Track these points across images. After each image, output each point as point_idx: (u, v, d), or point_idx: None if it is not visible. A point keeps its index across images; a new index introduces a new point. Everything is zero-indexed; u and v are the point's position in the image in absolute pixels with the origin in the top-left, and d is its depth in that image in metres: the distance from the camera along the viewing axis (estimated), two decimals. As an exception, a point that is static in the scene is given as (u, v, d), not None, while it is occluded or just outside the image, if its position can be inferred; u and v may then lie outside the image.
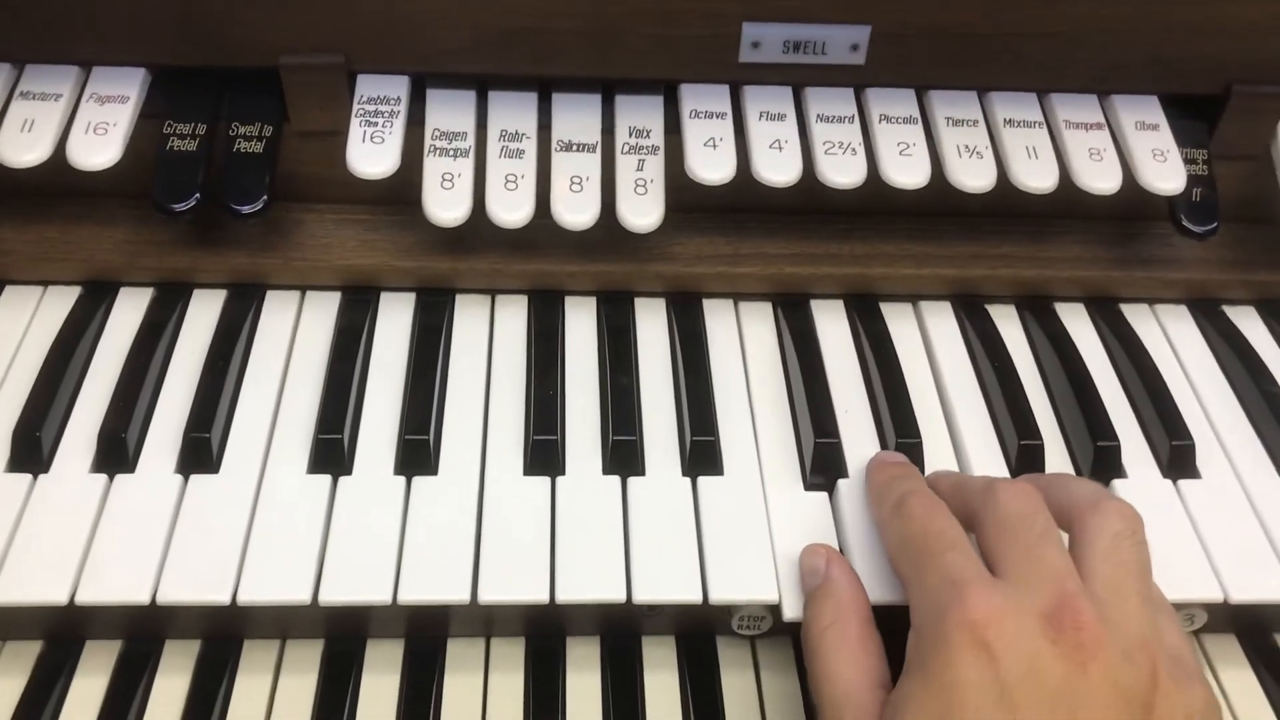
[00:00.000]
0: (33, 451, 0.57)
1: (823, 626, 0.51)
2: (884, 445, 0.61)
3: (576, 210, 0.62)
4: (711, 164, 0.62)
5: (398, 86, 0.63)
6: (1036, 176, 0.62)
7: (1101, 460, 0.60)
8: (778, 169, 0.61)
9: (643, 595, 0.53)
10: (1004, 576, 0.48)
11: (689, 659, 0.57)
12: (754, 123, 0.63)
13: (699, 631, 0.58)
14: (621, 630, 0.58)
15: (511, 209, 0.61)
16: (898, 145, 0.62)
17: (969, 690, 0.44)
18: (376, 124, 0.61)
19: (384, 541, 0.55)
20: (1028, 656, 0.44)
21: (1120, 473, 0.61)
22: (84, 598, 0.52)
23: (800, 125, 0.64)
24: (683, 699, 0.56)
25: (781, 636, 0.58)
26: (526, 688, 0.56)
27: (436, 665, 0.57)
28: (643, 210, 0.62)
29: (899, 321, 0.67)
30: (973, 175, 0.62)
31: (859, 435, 0.61)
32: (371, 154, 0.60)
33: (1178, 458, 0.61)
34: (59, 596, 0.52)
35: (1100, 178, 0.63)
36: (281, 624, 0.57)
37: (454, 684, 0.56)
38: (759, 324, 0.67)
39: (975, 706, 0.44)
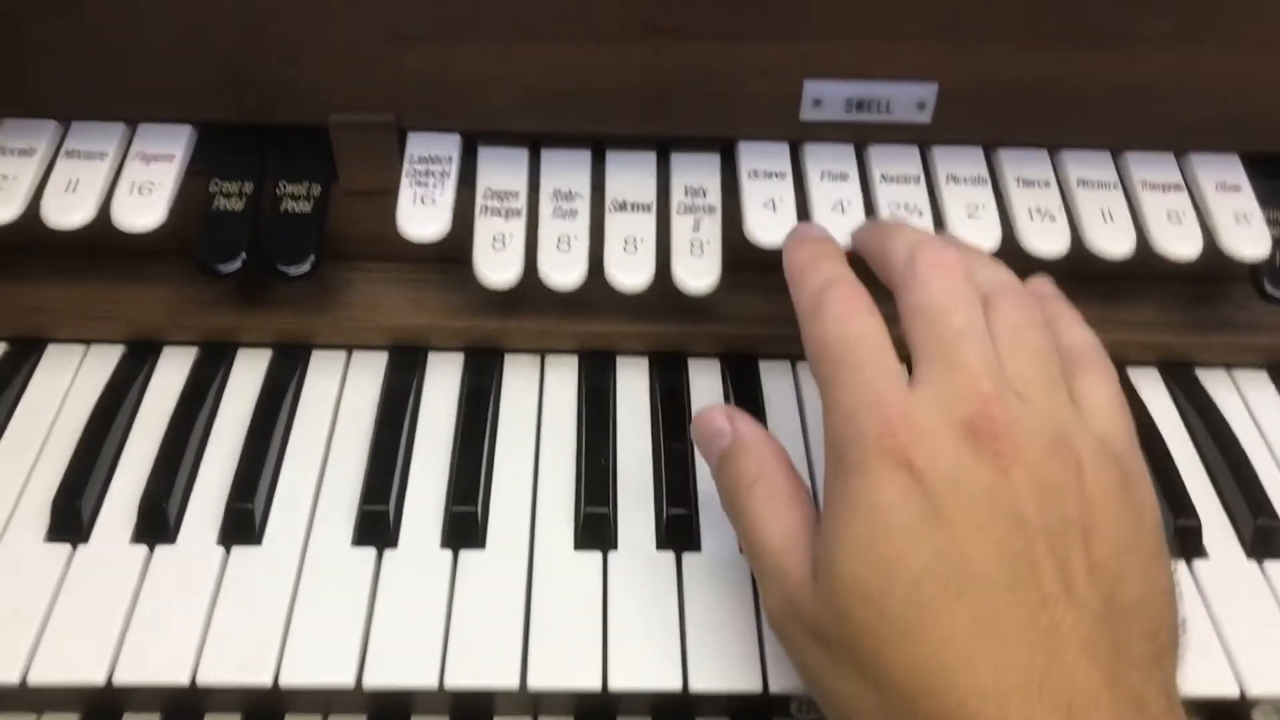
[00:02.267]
0: (72, 521, 0.55)
1: (748, 484, 0.49)
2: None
3: (631, 272, 0.60)
4: (771, 226, 0.59)
5: (449, 145, 0.61)
6: (1113, 241, 0.59)
7: (1181, 539, 0.57)
8: (841, 233, 0.59)
9: (700, 684, 0.51)
10: (920, 379, 0.46)
11: (745, 745, 0.55)
12: (815, 183, 0.61)
13: (756, 715, 0.55)
14: (676, 714, 0.55)
15: (564, 271, 0.59)
16: (966, 207, 0.60)
17: (896, 511, 0.43)
18: (427, 184, 0.59)
19: (430, 621, 0.53)
20: (951, 469, 0.43)
21: (1201, 552, 0.57)
22: (121, 678, 0.51)
23: (863, 185, 0.61)
24: (739, 786, 0.54)
25: (842, 722, 0.55)
26: (575, 772, 0.54)
27: (483, 748, 0.55)
28: (699, 272, 0.60)
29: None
30: (1046, 240, 0.59)
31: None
32: (422, 216, 0.59)
33: (1262, 537, 0.57)
34: (96, 677, 0.50)
35: (1180, 243, 0.60)
36: (324, 702, 0.55)
37: (501, 767, 0.54)
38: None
39: (905, 526, 0.43)
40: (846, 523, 0.44)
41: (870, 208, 0.61)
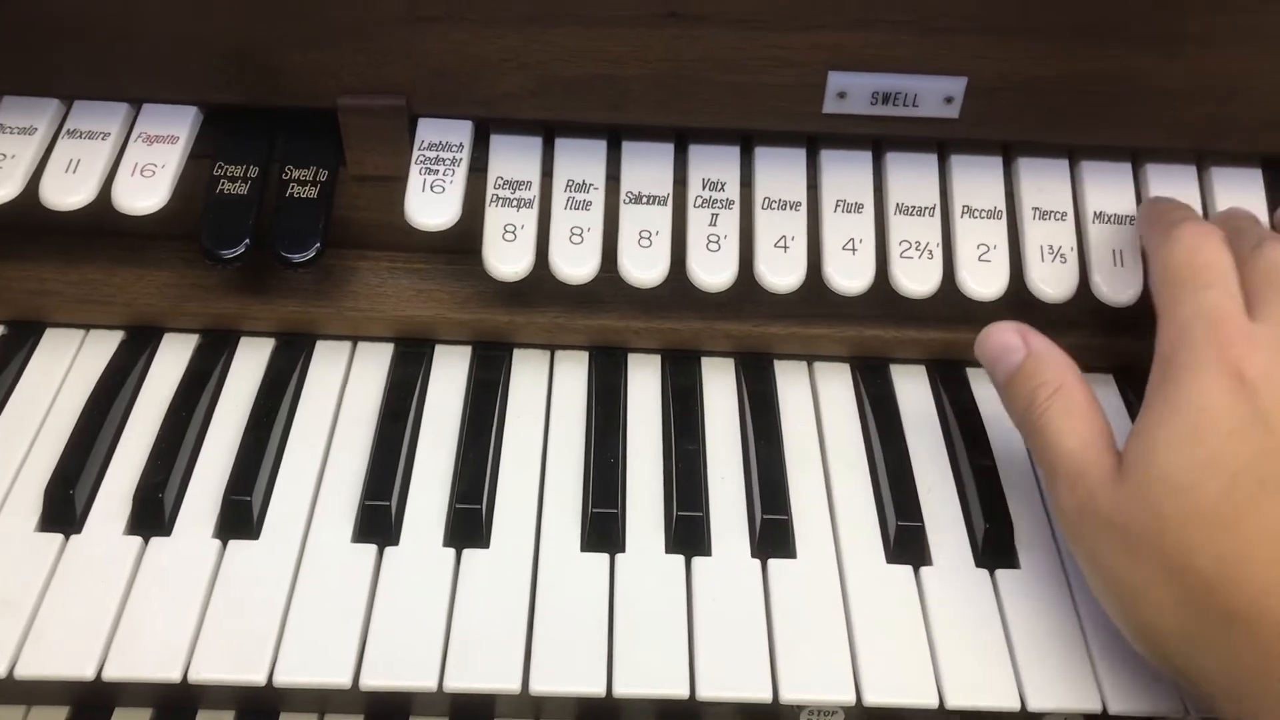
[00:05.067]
0: (65, 510, 0.54)
1: (1047, 394, 0.50)
2: (970, 531, 0.56)
3: (645, 266, 0.58)
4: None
5: (460, 132, 0.60)
6: (1118, 290, 0.59)
7: None
8: (850, 275, 0.58)
9: (707, 692, 0.49)
10: (1260, 317, 0.48)
11: (752, 754, 0.53)
12: (829, 215, 0.59)
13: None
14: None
15: (577, 263, 0.58)
16: (977, 248, 0.59)
17: (1221, 412, 0.45)
18: (437, 171, 0.58)
19: (431, 621, 0.51)
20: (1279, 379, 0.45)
21: None
22: (111, 673, 0.49)
23: (878, 215, 0.60)
24: (745, 797, 0.52)
25: (854, 733, 0.53)
26: (577, 779, 0.52)
27: (482, 752, 0.53)
28: (715, 268, 0.58)
29: (986, 387, 0.62)
30: (1053, 283, 0.59)
31: (943, 515, 0.56)
32: (431, 204, 0.57)
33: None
34: (86, 671, 0.49)
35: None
36: (320, 701, 0.54)
37: (500, 771, 0.53)
38: (836, 388, 0.63)
39: (1228, 428, 0.45)
40: (1168, 421, 0.46)
41: (883, 249, 0.59)
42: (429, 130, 0.59)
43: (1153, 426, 0.47)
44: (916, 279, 0.58)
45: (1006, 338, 0.53)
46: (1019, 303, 0.59)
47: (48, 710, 0.54)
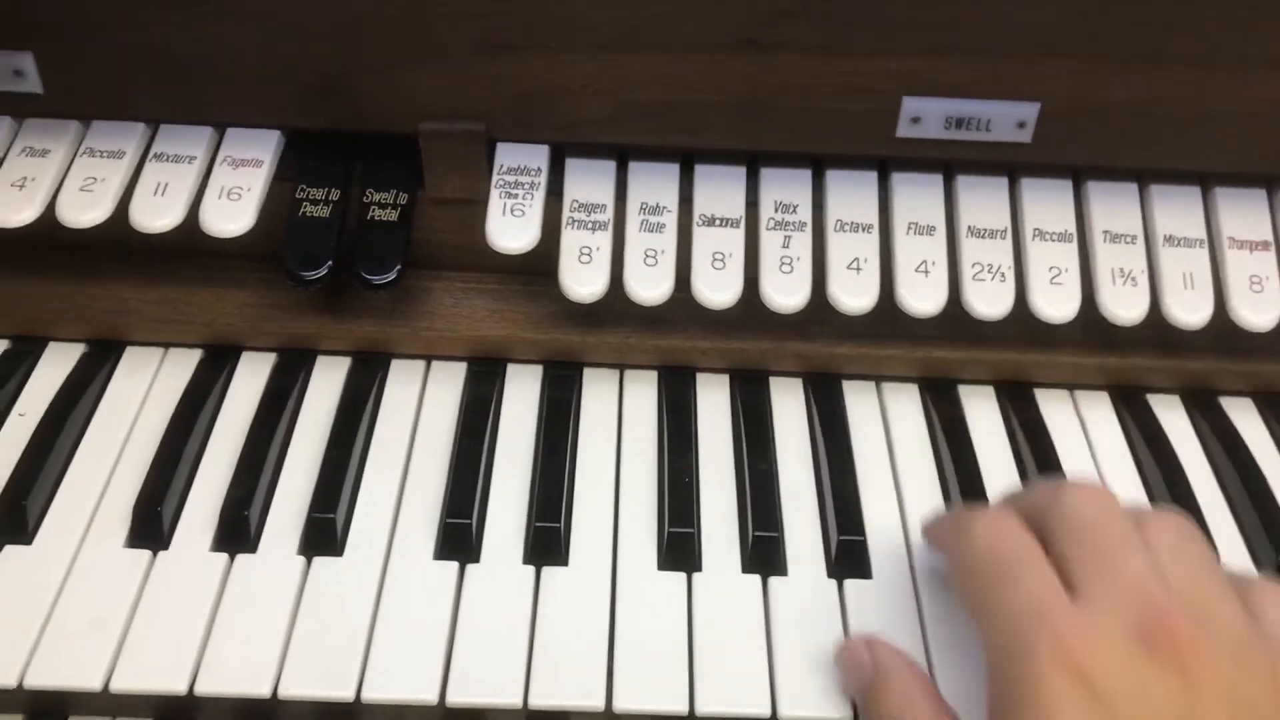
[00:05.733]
0: (153, 527, 0.55)
1: (895, 714, 0.47)
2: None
3: (718, 288, 0.59)
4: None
5: (538, 156, 0.61)
6: (1189, 312, 0.59)
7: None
8: (923, 298, 0.59)
9: (788, 711, 0.50)
10: (1083, 594, 0.43)
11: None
12: (901, 238, 0.60)
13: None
14: (757, 738, 0.54)
15: (651, 285, 0.59)
16: (1049, 271, 0.59)
17: None
18: (516, 196, 0.59)
19: (513, 639, 0.52)
20: (1131, 682, 0.40)
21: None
22: (203, 688, 0.50)
23: (949, 238, 0.60)
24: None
25: (930, 754, 0.54)
26: (655, 797, 0.53)
27: (559, 767, 0.54)
28: (788, 289, 0.59)
29: (1053, 408, 0.63)
30: (1125, 306, 0.59)
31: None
32: (512, 227, 0.58)
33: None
34: (178, 686, 0.50)
35: (1255, 312, 0.59)
36: (397, 716, 0.55)
37: (577, 788, 0.53)
38: (906, 408, 0.63)
39: None
40: None
41: (955, 271, 0.60)
42: (508, 155, 0.60)
43: None
44: (989, 301, 0.58)
45: (855, 656, 0.50)
46: (1090, 325, 0.59)
47: (132, 723, 0.56)
